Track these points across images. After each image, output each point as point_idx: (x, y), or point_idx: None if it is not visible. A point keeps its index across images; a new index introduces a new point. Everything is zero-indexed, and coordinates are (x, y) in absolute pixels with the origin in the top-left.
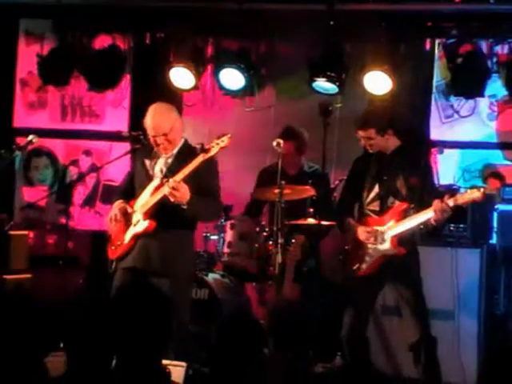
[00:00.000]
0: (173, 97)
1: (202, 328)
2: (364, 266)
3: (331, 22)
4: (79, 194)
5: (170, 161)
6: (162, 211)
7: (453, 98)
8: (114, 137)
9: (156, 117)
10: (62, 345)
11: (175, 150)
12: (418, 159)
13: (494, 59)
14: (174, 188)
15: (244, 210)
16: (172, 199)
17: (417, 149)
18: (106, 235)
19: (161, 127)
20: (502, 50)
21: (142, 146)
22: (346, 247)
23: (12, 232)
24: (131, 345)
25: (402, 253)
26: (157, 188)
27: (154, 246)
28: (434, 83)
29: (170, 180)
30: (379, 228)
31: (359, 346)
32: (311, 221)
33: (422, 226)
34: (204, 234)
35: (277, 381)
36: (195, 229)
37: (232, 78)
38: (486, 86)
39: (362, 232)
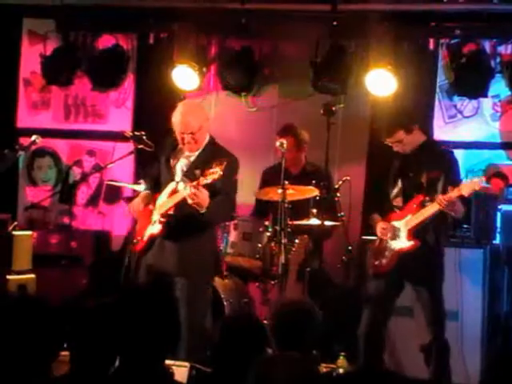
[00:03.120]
0: (176, 97)
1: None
2: (384, 261)
3: (334, 22)
4: (82, 193)
5: (192, 159)
6: (180, 214)
7: (456, 98)
8: (118, 137)
9: (186, 114)
10: (65, 344)
11: (198, 151)
12: (443, 153)
13: (498, 59)
14: (195, 194)
15: (252, 210)
16: (191, 202)
17: (441, 143)
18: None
19: (190, 125)
20: (505, 49)
21: (168, 142)
22: (350, 247)
23: (15, 232)
24: (135, 345)
25: (416, 245)
26: (174, 191)
27: (170, 247)
28: (438, 83)
29: (193, 186)
30: (396, 223)
31: (376, 345)
32: (315, 221)
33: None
34: None
35: (280, 381)
36: (214, 229)
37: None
38: (489, 86)
39: (379, 227)
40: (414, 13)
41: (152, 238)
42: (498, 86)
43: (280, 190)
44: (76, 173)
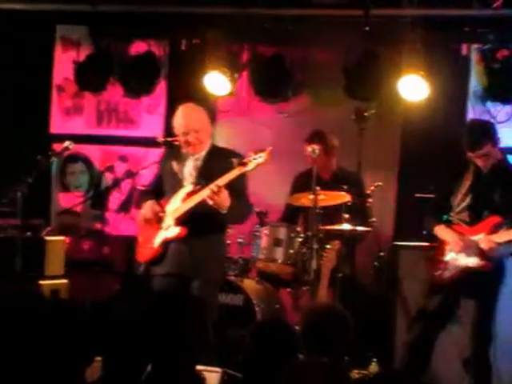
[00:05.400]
0: (208, 103)
1: (237, 334)
2: (447, 273)
3: (366, 28)
4: (115, 199)
5: (199, 163)
6: (197, 216)
7: (490, 104)
8: (150, 143)
9: (187, 115)
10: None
11: (203, 152)
12: None
13: None
14: (215, 192)
15: (280, 216)
16: (211, 203)
17: None
18: (135, 237)
19: (193, 124)
20: None
21: (169, 149)
22: (381, 253)
23: (48, 237)
24: (167, 350)
25: (487, 268)
26: (190, 194)
27: (186, 252)
28: (471, 89)
29: (212, 184)
30: (473, 239)
31: (423, 355)
32: (346, 226)
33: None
34: (239, 240)
35: None
36: (226, 232)
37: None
38: None
39: (456, 239)
40: (446, 18)
41: (165, 244)
42: None
43: (311, 196)
44: (108, 178)
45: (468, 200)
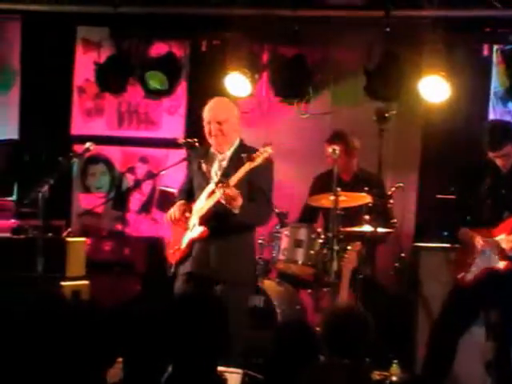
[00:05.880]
0: None
1: (258, 335)
2: (469, 275)
3: (387, 29)
4: (136, 200)
5: (224, 164)
6: (217, 216)
7: (511, 105)
8: (171, 144)
9: (215, 104)
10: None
11: (229, 152)
12: None
13: None
14: (225, 193)
15: (298, 216)
16: (224, 202)
17: None
18: (163, 240)
19: (217, 114)
20: None
21: (196, 149)
22: (402, 254)
23: (69, 238)
24: (187, 352)
25: (509, 268)
26: (211, 193)
27: (211, 252)
28: (492, 89)
29: (224, 185)
30: (495, 239)
31: (445, 357)
32: (367, 228)
33: None
34: (259, 241)
35: None
36: (253, 232)
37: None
38: None
39: (479, 240)
40: (467, 18)
41: (191, 244)
42: None
43: (332, 197)
44: (129, 180)
45: (488, 201)
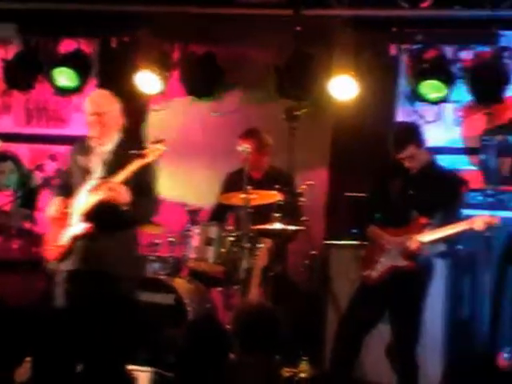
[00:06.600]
0: (139, 101)
1: (169, 333)
2: (375, 273)
3: (298, 28)
4: (44, 198)
5: (105, 158)
6: (100, 212)
7: (418, 104)
8: None
9: (95, 96)
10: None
11: (110, 146)
12: (449, 176)
13: (459, 65)
14: (113, 190)
15: (209, 215)
16: (111, 200)
17: (443, 167)
18: (42, 236)
19: (97, 105)
20: (466, 55)
21: (77, 142)
22: (312, 252)
23: None
24: (96, 350)
25: (413, 267)
26: (94, 189)
27: (94, 248)
28: (400, 88)
29: (110, 182)
30: (402, 239)
31: (351, 353)
32: (278, 226)
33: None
34: (170, 239)
35: None
36: (137, 228)
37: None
38: (451, 91)
39: (386, 239)
40: (375, 19)
41: (73, 241)
42: (460, 92)
43: (243, 195)
44: (38, 177)
45: (397, 200)
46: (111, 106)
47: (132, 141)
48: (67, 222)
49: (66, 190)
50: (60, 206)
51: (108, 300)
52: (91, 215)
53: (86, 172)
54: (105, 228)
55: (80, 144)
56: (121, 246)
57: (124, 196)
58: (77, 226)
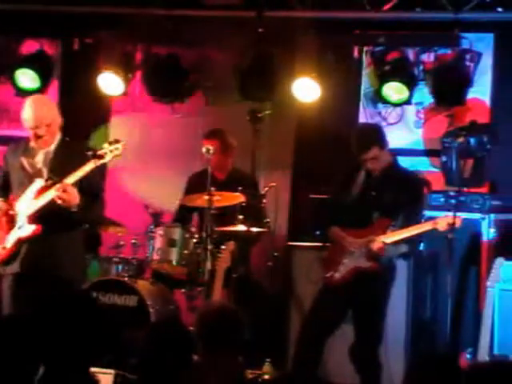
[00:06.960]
0: (101, 103)
1: (132, 335)
2: (337, 274)
3: (260, 29)
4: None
5: (49, 157)
6: (48, 214)
7: (380, 106)
8: None
9: (38, 107)
10: None
11: (53, 146)
12: (410, 178)
13: (421, 67)
14: (63, 191)
15: (173, 217)
16: (60, 202)
17: (405, 168)
18: None
19: (44, 117)
20: (428, 57)
21: (15, 143)
22: (276, 253)
23: None
24: (59, 352)
25: (376, 268)
26: (41, 190)
27: (41, 251)
28: (362, 90)
29: (59, 184)
30: (364, 240)
31: (314, 354)
32: (241, 227)
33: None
34: (133, 241)
35: None
36: (82, 229)
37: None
38: (413, 93)
39: (349, 240)
40: (338, 21)
41: (19, 243)
42: (421, 94)
43: (206, 197)
44: None
45: (359, 202)
46: (52, 111)
47: (76, 139)
48: (11, 224)
49: (5, 191)
50: (3, 207)
51: (57, 302)
52: (40, 217)
53: (27, 173)
54: (53, 230)
55: (19, 144)
56: (68, 247)
57: (74, 197)
58: (24, 228)
